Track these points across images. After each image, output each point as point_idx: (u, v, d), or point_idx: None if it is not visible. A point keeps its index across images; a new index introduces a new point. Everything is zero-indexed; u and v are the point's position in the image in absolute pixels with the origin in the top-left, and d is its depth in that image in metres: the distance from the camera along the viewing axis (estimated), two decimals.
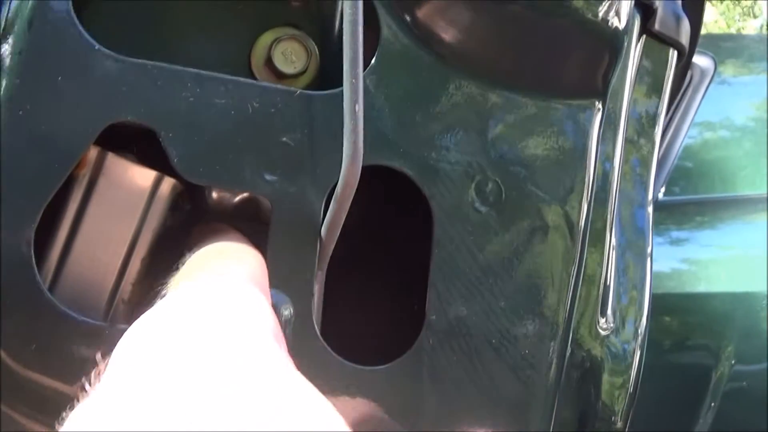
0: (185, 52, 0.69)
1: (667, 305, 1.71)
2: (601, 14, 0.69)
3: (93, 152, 0.66)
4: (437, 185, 0.64)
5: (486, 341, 0.65)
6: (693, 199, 1.79)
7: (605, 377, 0.76)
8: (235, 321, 0.44)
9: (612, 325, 0.75)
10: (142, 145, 0.66)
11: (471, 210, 0.65)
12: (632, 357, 0.78)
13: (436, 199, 0.64)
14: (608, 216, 0.77)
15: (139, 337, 0.43)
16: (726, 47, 2.10)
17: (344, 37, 0.59)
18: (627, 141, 0.85)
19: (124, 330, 0.43)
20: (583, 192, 0.70)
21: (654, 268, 1.72)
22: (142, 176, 0.67)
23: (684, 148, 1.81)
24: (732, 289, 1.68)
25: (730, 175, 1.83)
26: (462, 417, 0.65)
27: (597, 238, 0.76)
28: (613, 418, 0.76)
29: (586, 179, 0.70)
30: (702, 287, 1.69)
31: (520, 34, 0.69)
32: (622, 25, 0.70)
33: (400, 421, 0.63)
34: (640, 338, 0.78)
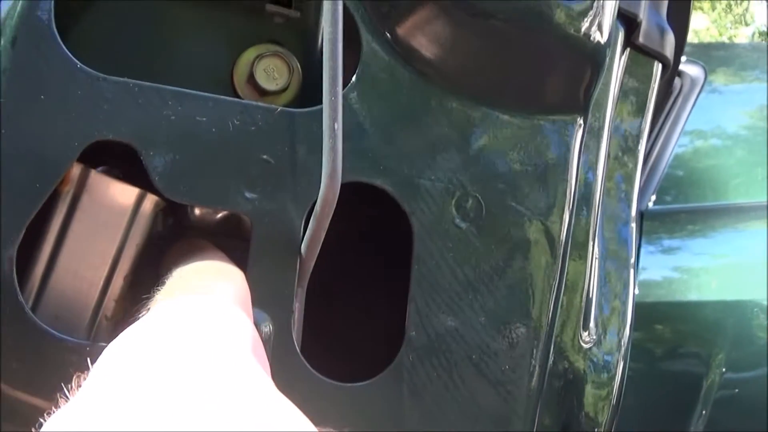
0: (168, 70, 0.69)
1: (658, 313, 1.72)
2: (583, 29, 0.69)
3: (76, 170, 0.66)
4: (417, 201, 0.65)
5: (466, 357, 0.65)
6: (685, 208, 1.80)
7: (588, 389, 0.76)
8: (213, 338, 0.45)
9: (594, 337, 0.76)
10: (126, 162, 0.66)
11: (451, 226, 0.65)
12: (615, 368, 0.78)
13: (416, 215, 0.64)
14: (591, 229, 0.77)
15: (118, 353, 0.43)
16: (717, 56, 2.10)
17: (324, 55, 0.60)
18: (611, 154, 0.85)
19: (105, 347, 0.44)
20: (564, 206, 0.70)
21: (646, 276, 1.73)
22: (125, 193, 0.68)
23: (676, 156, 1.81)
24: (723, 298, 1.68)
25: (722, 183, 1.84)
26: (442, 428, 0.65)
27: (580, 252, 0.76)
28: (596, 429, 0.77)
29: (568, 194, 0.70)
30: (693, 296, 1.69)
31: (501, 49, 0.69)
32: (603, 39, 0.71)
33: None
34: (623, 349, 0.78)
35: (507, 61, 0.70)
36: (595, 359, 0.77)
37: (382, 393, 0.64)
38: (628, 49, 0.88)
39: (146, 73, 0.66)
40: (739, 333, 1.65)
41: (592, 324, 0.77)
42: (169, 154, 0.61)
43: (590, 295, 0.77)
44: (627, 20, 0.85)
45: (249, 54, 0.69)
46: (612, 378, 0.79)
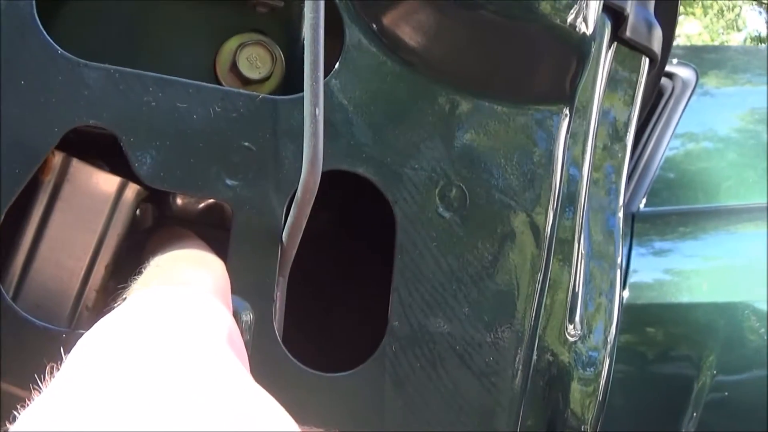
0: (151, 58, 0.69)
1: (650, 316, 1.71)
2: (568, 20, 0.69)
3: (58, 158, 0.66)
4: (400, 190, 0.64)
5: (450, 348, 0.64)
6: (676, 210, 1.79)
7: (574, 384, 0.75)
8: (187, 329, 0.44)
9: (580, 332, 0.75)
10: (109, 152, 0.66)
11: (435, 215, 0.65)
12: (601, 365, 0.78)
13: (399, 204, 0.64)
14: (577, 222, 0.77)
15: (90, 346, 0.42)
16: (709, 59, 2.11)
17: (306, 42, 0.59)
18: (598, 147, 0.85)
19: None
20: (549, 197, 0.69)
21: (637, 278, 1.73)
22: (107, 182, 0.67)
23: (667, 159, 1.81)
24: (714, 300, 1.68)
25: (713, 185, 1.83)
26: (426, 424, 0.64)
27: (565, 245, 0.75)
28: (582, 426, 0.76)
29: (553, 185, 0.70)
30: (685, 298, 1.69)
31: (486, 39, 0.69)
32: (589, 31, 0.70)
33: (362, 427, 0.63)
34: (609, 346, 0.78)
35: (492, 51, 0.69)
36: (581, 355, 0.76)
37: (364, 383, 0.63)
38: (615, 43, 0.87)
39: (129, 62, 0.65)
40: (730, 335, 1.65)
41: (577, 319, 0.76)
42: (150, 141, 0.61)
43: (576, 290, 0.77)
44: (614, 14, 0.84)
45: (232, 43, 0.69)
46: (598, 375, 0.78)
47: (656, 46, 0.93)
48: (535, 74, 0.71)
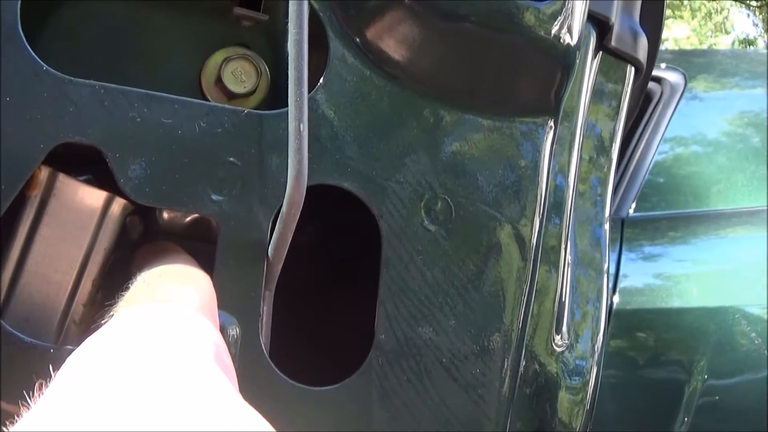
0: (136, 72, 0.69)
1: (641, 320, 1.72)
2: (553, 31, 0.69)
3: (44, 173, 0.66)
4: (385, 204, 0.64)
5: (436, 360, 0.65)
6: (666, 215, 1.80)
7: (561, 394, 0.76)
8: (174, 348, 0.44)
9: (567, 342, 0.75)
10: (95, 166, 0.66)
11: (420, 228, 0.65)
12: (589, 373, 0.78)
13: (384, 218, 0.64)
14: (563, 232, 0.77)
15: (79, 362, 0.43)
16: (698, 63, 2.12)
17: (289, 56, 0.60)
18: (584, 157, 0.85)
19: (71, 352, 0.43)
20: (535, 209, 0.70)
21: (628, 283, 1.73)
22: (93, 197, 0.67)
23: (656, 163, 1.82)
24: (705, 304, 1.69)
25: (703, 190, 1.84)
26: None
27: (552, 255, 0.76)
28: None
29: (538, 196, 0.70)
30: (675, 302, 1.70)
31: (471, 52, 0.69)
32: (574, 42, 0.71)
33: None
34: (596, 355, 0.78)
35: (476, 64, 0.70)
36: (568, 364, 0.77)
37: (351, 397, 0.63)
38: (601, 53, 0.88)
39: (114, 76, 0.65)
40: (720, 339, 1.66)
41: (564, 329, 0.77)
42: (135, 157, 0.61)
43: (563, 299, 0.77)
44: (599, 23, 0.85)
45: (217, 57, 0.69)
46: (586, 383, 0.78)
47: (641, 55, 0.93)
48: (520, 86, 0.71)
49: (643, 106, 1.87)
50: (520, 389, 0.70)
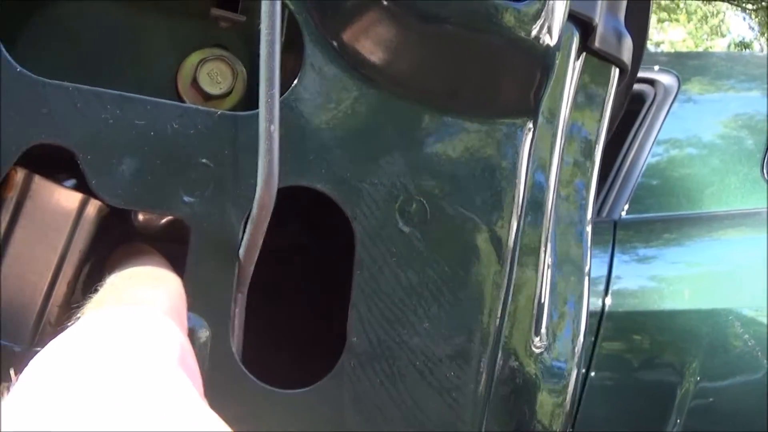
0: (113, 74, 0.69)
1: (634, 323, 1.71)
2: (533, 32, 0.69)
3: (20, 175, 0.66)
4: (359, 206, 0.64)
5: (410, 363, 0.64)
6: (659, 217, 1.80)
7: (541, 395, 0.75)
8: (138, 352, 0.44)
9: (545, 343, 0.75)
10: (72, 168, 0.66)
11: (394, 230, 0.65)
12: (569, 375, 0.78)
13: (358, 219, 0.64)
14: (543, 235, 0.77)
15: (41, 367, 0.43)
16: (692, 65, 2.11)
17: (261, 58, 0.59)
18: (566, 159, 0.85)
19: None
20: (512, 211, 0.69)
21: (622, 285, 1.73)
22: (69, 198, 0.67)
23: (650, 165, 1.81)
24: (699, 306, 1.68)
25: (696, 192, 1.84)
26: None
27: (531, 256, 0.75)
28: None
29: (516, 198, 0.70)
30: (668, 304, 1.69)
31: (449, 53, 0.69)
32: (553, 42, 0.70)
33: None
34: (576, 356, 0.78)
35: (454, 65, 0.69)
36: (547, 365, 0.76)
37: (323, 400, 0.63)
38: (584, 54, 0.87)
39: (91, 79, 0.65)
40: (713, 342, 1.65)
41: (543, 330, 0.76)
42: (107, 158, 0.61)
43: (542, 301, 0.77)
44: (582, 24, 0.85)
45: (193, 58, 0.69)
46: (566, 385, 0.78)
47: (626, 56, 0.93)
48: (498, 87, 0.71)
49: (636, 108, 1.86)
50: (498, 391, 0.69)
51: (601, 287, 1.66)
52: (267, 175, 0.58)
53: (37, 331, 0.69)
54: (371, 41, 0.66)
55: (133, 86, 0.66)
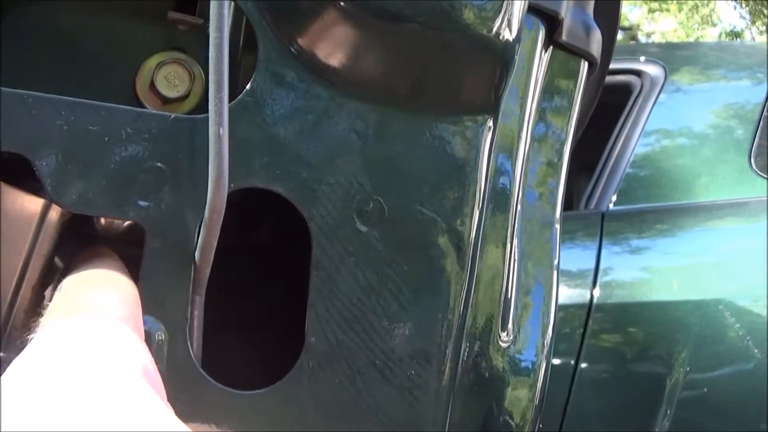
0: (71, 79, 0.69)
1: (624, 314, 1.71)
2: (490, 27, 0.69)
3: None
4: (316, 206, 0.64)
5: (369, 362, 0.64)
6: (648, 208, 1.79)
7: (508, 391, 0.75)
8: (100, 365, 0.45)
9: (512, 337, 0.75)
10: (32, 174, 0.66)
11: (351, 230, 0.65)
12: (537, 370, 0.78)
13: (314, 219, 0.64)
14: (508, 230, 0.77)
15: (4, 390, 0.43)
16: (682, 56, 2.10)
17: (210, 61, 0.59)
18: (533, 154, 0.85)
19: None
20: (473, 208, 0.69)
21: (608, 277, 1.72)
22: (32, 204, 0.68)
23: (638, 156, 1.81)
24: (688, 297, 1.68)
25: (686, 182, 1.83)
26: None
27: (496, 252, 0.75)
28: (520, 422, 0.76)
29: (477, 195, 0.70)
30: (657, 296, 1.69)
31: (407, 52, 0.69)
32: (512, 37, 0.70)
33: None
34: (545, 351, 0.78)
35: (411, 63, 0.69)
36: (515, 359, 0.77)
37: (282, 400, 0.63)
38: (551, 48, 0.87)
39: (51, 85, 0.65)
40: (703, 332, 1.65)
41: (510, 325, 0.76)
42: (62, 165, 0.61)
43: (509, 296, 0.77)
44: (548, 18, 0.84)
45: (151, 62, 0.69)
46: (535, 379, 0.78)
47: (595, 49, 0.93)
48: (457, 85, 0.71)
49: (622, 99, 1.86)
50: (462, 387, 0.69)
51: (589, 280, 1.66)
52: (217, 178, 0.59)
53: (2, 336, 0.69)
54: (327, 42, 0.66)
55: (93, 92, 0.66)
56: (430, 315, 0.66)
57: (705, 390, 1.66)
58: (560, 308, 1.70)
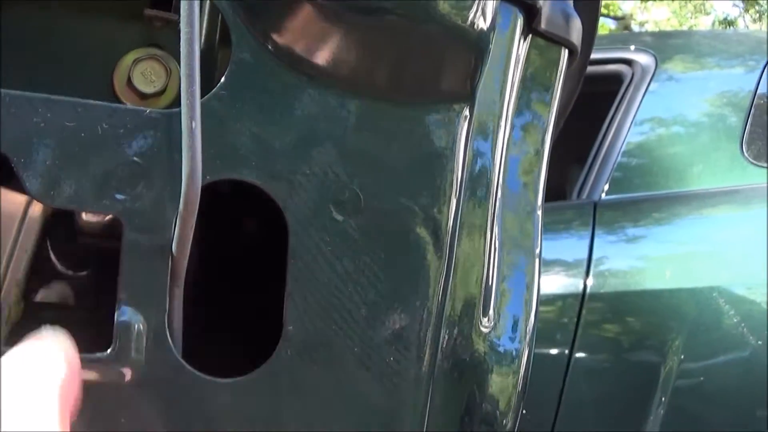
0: (49, 77, 0.70)
1: (618, 303, 1.72)
2: (467, 18, 0.69)
3: None
4: (291, 196, 0.65)
5: (348, 350, 0.65)
6: (641, 197, 1.80)
7: (491, 377, 0.76)
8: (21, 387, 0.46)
9: (493, 322, 0.76)
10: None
11: (328, 220, 0.66)
12: (520, 357, 0.78)
13: (290, 210, 0.65)
14: (488, 217, 0.78)
15: None
16: (674, 44, 2.11)
17: (181, 56, 0.60)
18: (513, 142, 0.85)
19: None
20: (450, 197, 0.70)
21: (601, 266, 1.73)
22: (15, 200, 0.69)
23: (629, 145, 1.81)
24: (682, 285, 1.69)
25: (679, 171, 1.84)
26: (327, 426, 0.65)
27: (476, 240, 0.76)
28: (502, 420, 0.77)
29: (454, 184, 0.71)
30: (651, 284, 1.70)
31: (384, 43, 0.69)
32: (486, 26, 0.71)
33: (262, 430, 0.64)
34: (528, 338, 0.78)
35: (387, 56, 0.70)
36: (497, 345, 0.77)
37: (261, 388, 0.64)
38: (531, 36, 0.88)
39: (29, 83, 0.66)
40: (698, 320, 1.66)
41: (491, 312, 0.77)
42: (39, 161, 0.62)
43: (489, 284, 0.77)
44: (526, 7, 0.85)
45: (128, 58, 0.70)
46: (518, 365, 0.79)
47: (575, 37, 0.93)
48: (432, 75, 0.72)
49: (613, 88, 1.86)
50: (442, 372, 0.70)
51: (582, 269, 1.67)
52: (191, 171, 0.60)
53: None
54: (301, 36, 0.67)
55: (72, 89, 0.67)
56: (408, 302, 0.67)
57: (700, 377, 1.66)
58: (554, 298, 1.71)
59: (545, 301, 1.69)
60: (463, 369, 0.74)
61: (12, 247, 0.69)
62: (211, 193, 0.65)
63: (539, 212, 0.86)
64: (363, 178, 0.67)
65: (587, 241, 1.70)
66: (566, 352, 1.69)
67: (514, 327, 0.79)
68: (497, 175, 0.78)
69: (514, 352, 0.79)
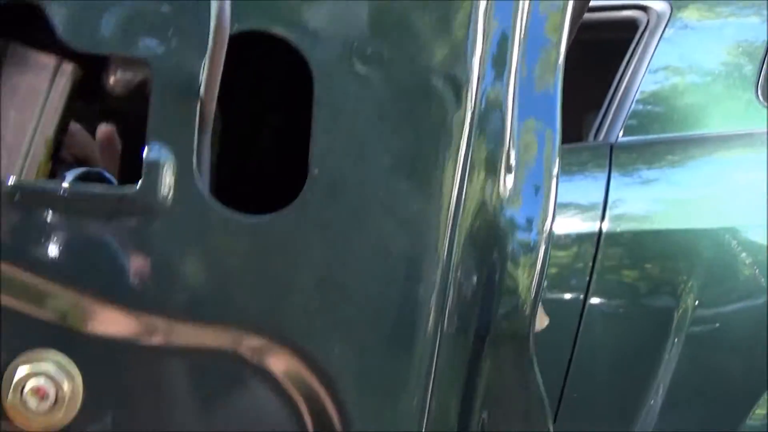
0: None
1: (640, 245, 1.72)
2: None
3: None
4: (316, 48, 0.66)
5: (372, 195, 0.67)
6: (656, 139, 1.80)
7: (511, 247, 0.76)
8: None
9: (511, 194, 0.76)
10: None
11: (351, 71, 0.67)
12: (539, 235, 0.78)
13: (314, 60, 0.66)
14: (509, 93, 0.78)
15: None
16: None
17: None
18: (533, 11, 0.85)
19: None
20: (472, 56, 0.71)
21: (618, 209, 1.72)
22: (44, 59, 0.71)
23: (644, 90, 1.82)
24: (697, 226, 1.69)
25: (700, 116, 1.84)
26: (350, 265, 0.67)
27: (497, 113, 0.77)
28: (523, 305, 0.77)
29: (477, 41, 0.71)
30: (667, 225, 1.70)
31: None
32: None
33: (286, 269, 0.66)
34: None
35: None
36: (516, 221, 0.78)
37: (284, 227, 0.65)
38: None
39: None
40: (713, 263, 1.66)
41: (512, 186, 0.77)
42: (70, 5, 0.64)
43: (510, 159, 0.78)
44: None
45: None
46: (537, 245, 0.79)
47: None
48: None
49: (629, 35, 1.87)
50: (465, 224, 0.71)
51: (599, 211, 1.67)
52: (219, 14, 0.61)
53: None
54: None
55: None
56: (432, 152, 0.68)
57: (715, 321, 1.67)
58: (569, 240, 1.72)
59: (560, 245, 1.70)
60: (485, 233, 0.74)
61: (42, 106, 0.71)
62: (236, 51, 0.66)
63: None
64: (386, 36, 0.69)
65: (603, 184, 1.71)
66: (581, 296, 1.69)
67: (533, 215, 0.78)
68: (517, 45, 0.78)
69: (533, 229, 0.79)
